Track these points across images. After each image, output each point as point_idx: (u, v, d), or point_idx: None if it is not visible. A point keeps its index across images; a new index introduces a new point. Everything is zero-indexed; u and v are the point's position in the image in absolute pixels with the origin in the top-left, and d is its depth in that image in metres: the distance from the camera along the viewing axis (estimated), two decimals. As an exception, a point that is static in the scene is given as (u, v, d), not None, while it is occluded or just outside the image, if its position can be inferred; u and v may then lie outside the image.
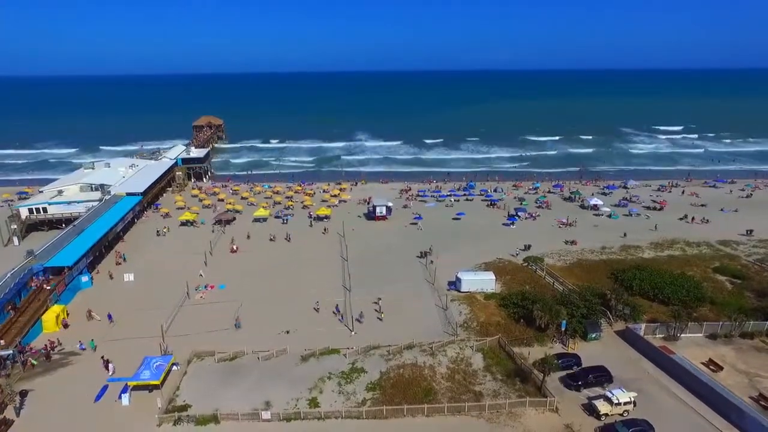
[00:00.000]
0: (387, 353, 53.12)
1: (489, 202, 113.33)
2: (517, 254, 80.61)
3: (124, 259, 79.59)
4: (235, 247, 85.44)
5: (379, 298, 64.71)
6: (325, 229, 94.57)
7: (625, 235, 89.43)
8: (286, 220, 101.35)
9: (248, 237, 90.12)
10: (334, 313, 62.26)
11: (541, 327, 56.70)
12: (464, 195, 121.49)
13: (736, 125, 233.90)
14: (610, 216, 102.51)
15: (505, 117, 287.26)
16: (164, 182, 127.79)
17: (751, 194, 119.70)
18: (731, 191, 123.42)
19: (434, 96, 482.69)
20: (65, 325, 60.10)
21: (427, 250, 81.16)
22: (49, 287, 65.62)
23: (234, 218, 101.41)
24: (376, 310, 62.86)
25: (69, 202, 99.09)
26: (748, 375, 50.05)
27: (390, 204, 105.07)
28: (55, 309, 61.44)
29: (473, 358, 52.64)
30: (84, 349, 55.16)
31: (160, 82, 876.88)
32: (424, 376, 49.75)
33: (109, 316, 61.83)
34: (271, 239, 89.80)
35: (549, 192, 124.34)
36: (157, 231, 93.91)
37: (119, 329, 59.52)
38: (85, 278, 71.86)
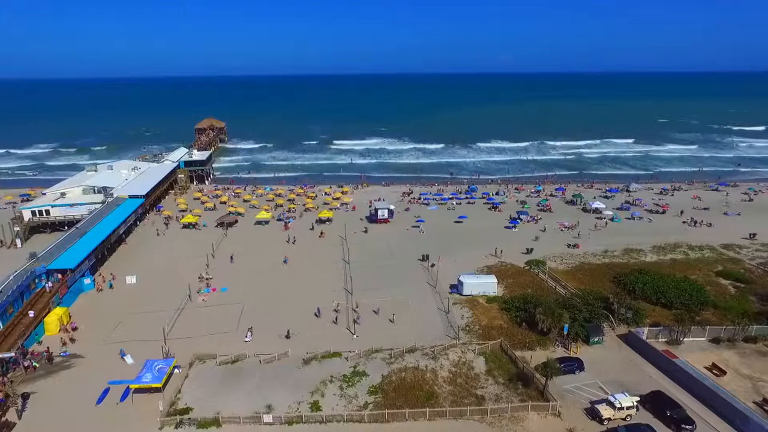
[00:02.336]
0: (389, 357, 53.00)
1: (491, 205, 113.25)
2: (536, 235, 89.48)
3: (110, 286, 72.01)
4: (289, 225, 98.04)
5: (356, 305, 64.73)
6: (321, 233, 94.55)
7: (536, 238, 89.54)
8: (288, 222, 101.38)
9: (293, 238, 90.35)
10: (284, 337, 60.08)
11: (543, 331, 56.57)
12: (466, 198, 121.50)
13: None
14: (612, 219, 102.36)
15: (505, 119, 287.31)
16: (166, 185, 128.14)
17: (753, 198, 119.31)
18: (727, 194, 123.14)
19: (435, 98, 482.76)
20: (74, 328, 59.62)
21: (496, 252, 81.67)
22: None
23: (236, 221, 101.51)
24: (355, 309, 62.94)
25: (72, 205, 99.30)
26: (752, 379, 49.86)
27: (392, 207, 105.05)
28: (58, 311, 61.52)
29: (475, 362, 52.48)
30: (67, 355, 54.82)
31: (161, 85, 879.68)
32: (425, 379, 49.63)
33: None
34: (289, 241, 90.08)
35: (551, 195, 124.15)
36: (157, 231, 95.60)
37: (120, 331, 59.56)
38: (87, 281, 71.97)
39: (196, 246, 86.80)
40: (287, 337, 57.46)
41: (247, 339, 57.19)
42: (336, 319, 61.40)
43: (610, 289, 65.67)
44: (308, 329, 59.31)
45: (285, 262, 79.74)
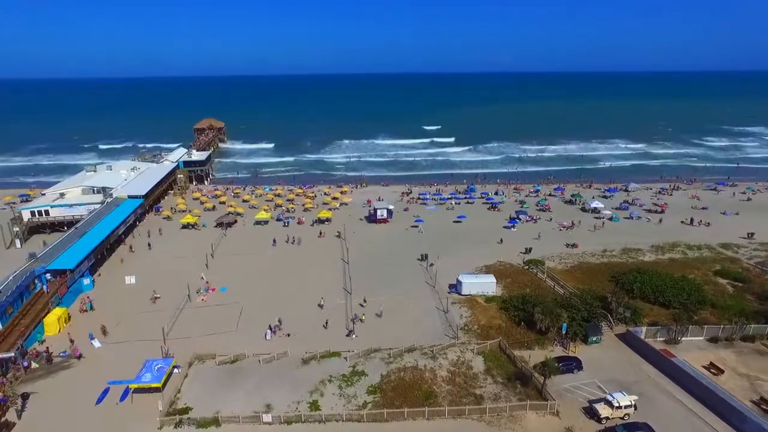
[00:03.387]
0: (388, 356, 53.20)
1: (490, 205, 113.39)
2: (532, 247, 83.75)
3: (90, 307, 65.45)
4: (302, 220, 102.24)
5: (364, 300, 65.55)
6: (321, 233, 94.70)
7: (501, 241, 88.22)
8: (287, 222, 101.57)
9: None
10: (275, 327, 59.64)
11: (541, 330, 56.75)
12: (465, 198, 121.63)
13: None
14: (611, 219, 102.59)
15: (506, 119, 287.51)
16: (166, 185, 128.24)
17: (751, 198, 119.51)
18: (732, 193, 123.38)
19: (435, 98, 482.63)
20: (78, 356, 55.55)
21: (526, 250, 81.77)
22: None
23: (235, 221, 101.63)
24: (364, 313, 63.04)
25: (71, 205, 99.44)
26: (749, 378, 50.03)
27: (391, 207, 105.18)
28: (57, 311, 61.64)
29: (474, 361, 52.67)
30: (67, 356, 54.91)
31: (161, 85, 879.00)
32: (424, 379, 49.81)
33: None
34: (287, 241, 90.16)
35: (550, 195, 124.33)
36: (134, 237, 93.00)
37: (120, 331, 59.69)
38: (86, 281, 72.10)
39: (196, 246, 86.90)
40: (288, 335, 57.78)
41: (268, 338, 57.35)
42: (326, 323, 60.72)
43: (608, 289, 65.72)
44: (307, 329, 59.46)
45: (295, 243, 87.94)
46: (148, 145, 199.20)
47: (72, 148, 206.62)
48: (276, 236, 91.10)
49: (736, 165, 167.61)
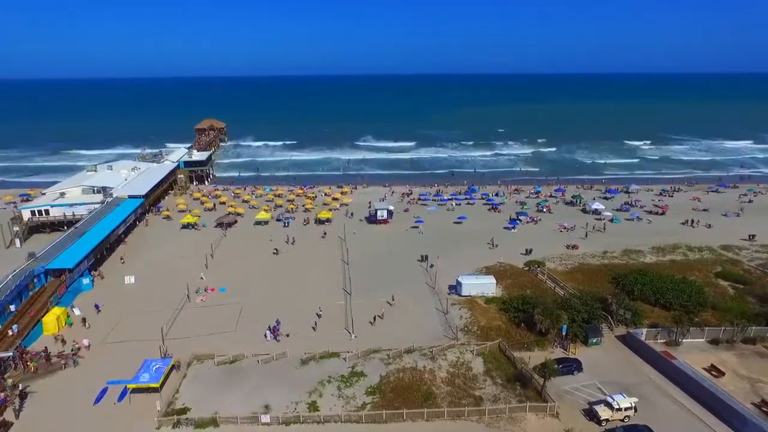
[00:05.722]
0: (387, 357, 53.04)
1: (490, 206, 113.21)
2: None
3: (81, 361, 53.99)
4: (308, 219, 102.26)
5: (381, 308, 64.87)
6: (324, 233, 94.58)
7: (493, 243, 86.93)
8: (288, 223, 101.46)
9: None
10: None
11: (541, 331, 56.56)
12: (466, 199, 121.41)
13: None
14: (611, 220, 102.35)
15: (506, 120, 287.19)
16: (166, 185, 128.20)
17: (752, 200, 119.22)
18: (719, 193, 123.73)
19: (435, 100, 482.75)
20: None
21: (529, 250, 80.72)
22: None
23: (236, 221, 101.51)
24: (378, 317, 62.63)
25: (71, 205, 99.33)
26: (750, 381, 49.82)
27: (391, 207, 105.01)
28: (56, 311, 61.53)
29: (473, 363, 52.48)
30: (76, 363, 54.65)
31: (162, 85, 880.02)
32: (424, 380, 49.62)
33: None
34: (287, 242, 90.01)
35: (550, 196, 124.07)
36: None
37: (119, 331, 59.55)
38: (86, 280, 72.04)
39: (195, 246, 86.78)
40: (287, 335, 57.61)
41: (267, 339, 57.08)
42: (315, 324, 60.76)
43: (608, 290, 65.56)
44: (306, 329, 59.34)
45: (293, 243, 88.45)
46: (143, 139, 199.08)
47: (72, 147, 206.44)
48: (284, 237, 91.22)
49: (740, 165, 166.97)
